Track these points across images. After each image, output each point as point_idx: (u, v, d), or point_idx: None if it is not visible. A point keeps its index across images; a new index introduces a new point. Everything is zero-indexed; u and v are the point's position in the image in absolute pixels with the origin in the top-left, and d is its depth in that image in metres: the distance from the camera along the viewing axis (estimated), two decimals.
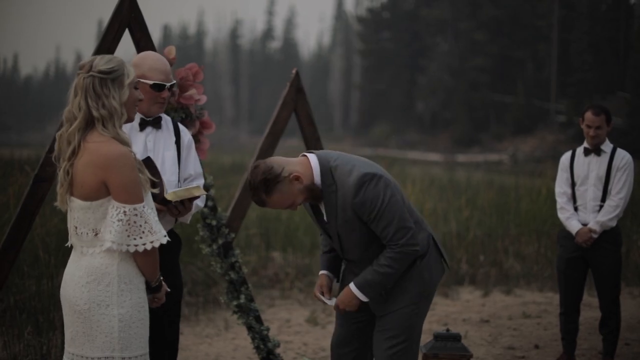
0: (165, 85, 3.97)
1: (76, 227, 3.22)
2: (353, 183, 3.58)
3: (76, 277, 3.20)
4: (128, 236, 3.13)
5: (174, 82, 4.06)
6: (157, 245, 3.18)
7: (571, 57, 41.73)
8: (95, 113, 3.15)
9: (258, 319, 5.28)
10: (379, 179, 3.61)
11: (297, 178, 3.60)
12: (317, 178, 3.65)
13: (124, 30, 4.67)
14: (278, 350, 5.46)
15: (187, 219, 4.09)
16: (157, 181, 3.82)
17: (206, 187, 4.76)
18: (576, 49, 41.06)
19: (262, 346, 5.28)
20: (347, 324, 3.95)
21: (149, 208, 3.19)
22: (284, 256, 10.03)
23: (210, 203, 5.09)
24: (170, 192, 3.82)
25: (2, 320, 6.16)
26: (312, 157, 3.68)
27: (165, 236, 3.20)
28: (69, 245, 3.33)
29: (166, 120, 4.13)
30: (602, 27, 40.74)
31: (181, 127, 4.19)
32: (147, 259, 3.21)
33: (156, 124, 4.04)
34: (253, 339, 5.28)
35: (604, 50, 40.43)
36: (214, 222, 5.11)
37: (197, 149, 4.55)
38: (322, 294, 3.90)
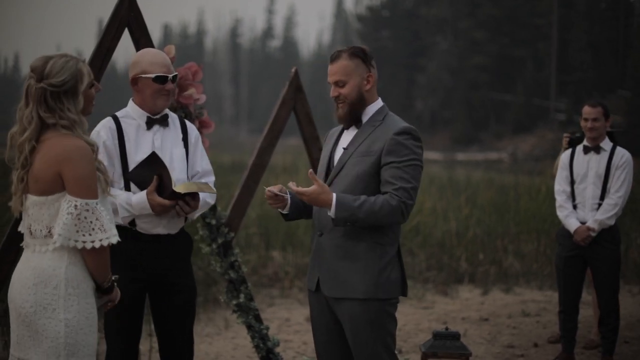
0: (167, 77, 3.95)
1: (30, 225, 3.12)
2: (401, 126, 3.65)
3: (23, 278, 3.11)
4: (77, 231, 3.02)
5: (176, 73, 4.04)
6: (105, 244, 3.06)
7: (571, 56, 41.67)
8: (51, 121, 3.05)
9: (258, 318, 5.29)
10: (421, 146, 3.65)
11: (370, 80, 3.70)
12: (373, 109, 3.75)
13: (123, 30, 4.68)
14: (278, 349, 5.47)
15: (194, 215, 4.07)
16: (164, 174, 3.82)
17: None
18: (575, 48, 41.02)
19: (261, 345, 5.28)
20: (324, 333, 3.78)
21: (102, 207, 3.08)
22: (284, 255, 10.03)
23: None
24: (179, 184, 3.82)
25: (3, 320, 6.15)
26: (380, 99, 3.81)
27: (115, 236, 3.09)
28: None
29: (173, 118, 4.12)
30: (601, 26, 40.71)
31: (188, 123, 4.18)
32: (96, 258, 3.09)
33: (163, 122, 4.03)
34: (253, 338, 5.29)
35: (604, 48, 40.40)
36: (213, 222, 5.11)
37: None
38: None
